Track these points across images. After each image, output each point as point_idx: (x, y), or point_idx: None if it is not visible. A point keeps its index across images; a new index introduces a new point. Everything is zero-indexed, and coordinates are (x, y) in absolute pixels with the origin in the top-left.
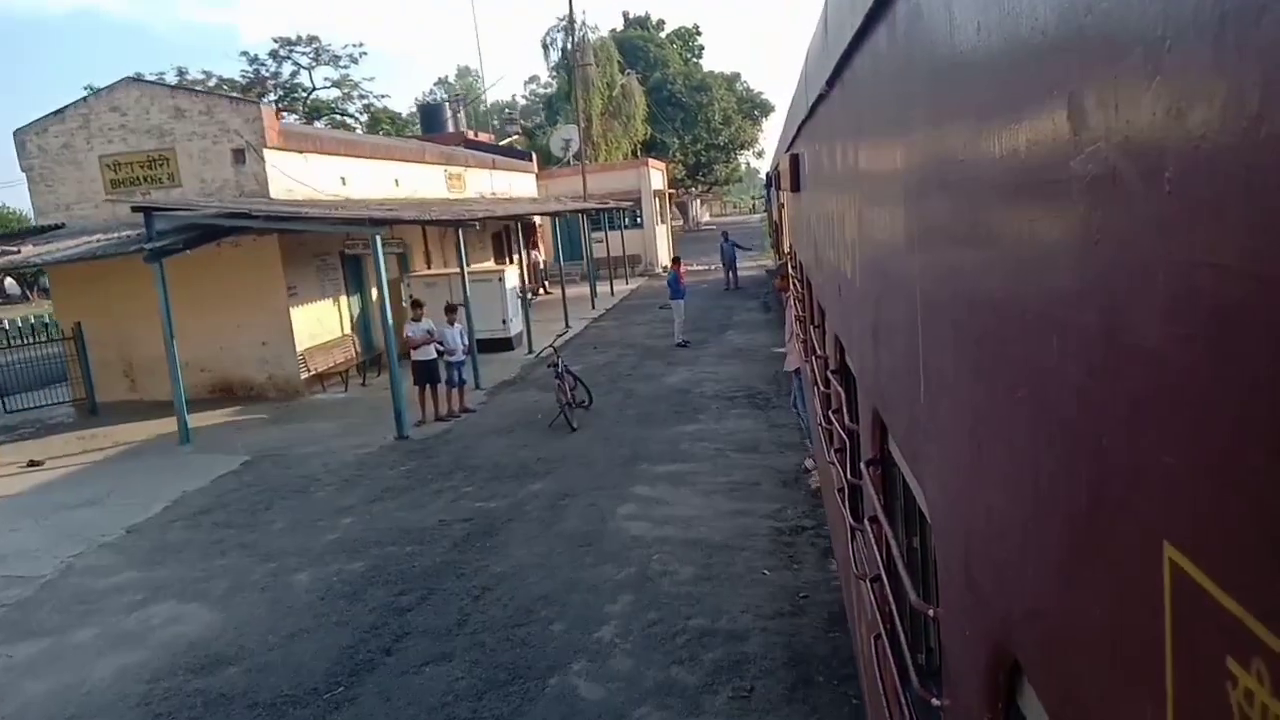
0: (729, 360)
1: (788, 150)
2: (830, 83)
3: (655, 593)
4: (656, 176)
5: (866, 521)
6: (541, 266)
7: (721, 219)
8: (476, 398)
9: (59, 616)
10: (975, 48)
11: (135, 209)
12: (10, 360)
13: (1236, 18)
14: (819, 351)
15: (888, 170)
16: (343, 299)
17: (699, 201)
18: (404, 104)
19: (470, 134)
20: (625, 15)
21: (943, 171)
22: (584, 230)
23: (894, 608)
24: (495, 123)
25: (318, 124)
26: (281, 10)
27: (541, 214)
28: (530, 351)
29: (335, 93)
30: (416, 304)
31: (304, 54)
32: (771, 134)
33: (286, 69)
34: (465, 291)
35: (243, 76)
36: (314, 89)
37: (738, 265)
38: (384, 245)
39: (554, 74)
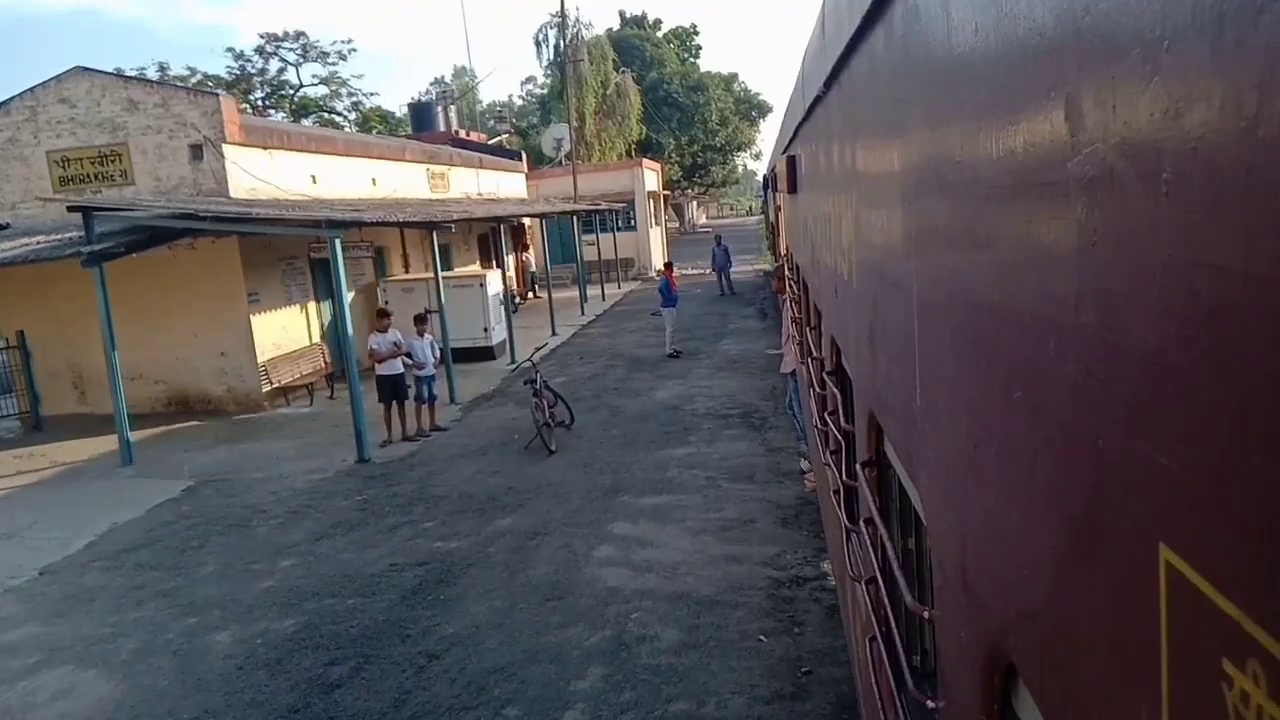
0: (723, 373)
1: (785, 152)
2: (828, 84)
3: (632, 665)
4: (651, 177)
5: (862, 523)
6: (533, 269)
7: (718, 221)
8: (450, 414)
9: None
10: (973, 49)
11: (71, 209)
12: None
13: (1234, 18)
14: (815, 353)
15: (885, 172)
16: (311, 305)
17: (695, 204)
18: (403, 104)
19: (463, 133)
20: (622, 14)
21: (940, 173)
22: (576, 232)
23: (889, 610)
24: (491, 123)
25: (305, 122)
26: (282, 10)
27: (528, 215)
28: (512, 362)
29: (323, 90)
30: (382, 313)
31: (291, 50)
32: (769, 136)
33: (274, 66)
34: (440, 298)
35: (228, 73)
36: (301, 86)
37: (730, 270)
38: (352, 249)
39: (548, 73)
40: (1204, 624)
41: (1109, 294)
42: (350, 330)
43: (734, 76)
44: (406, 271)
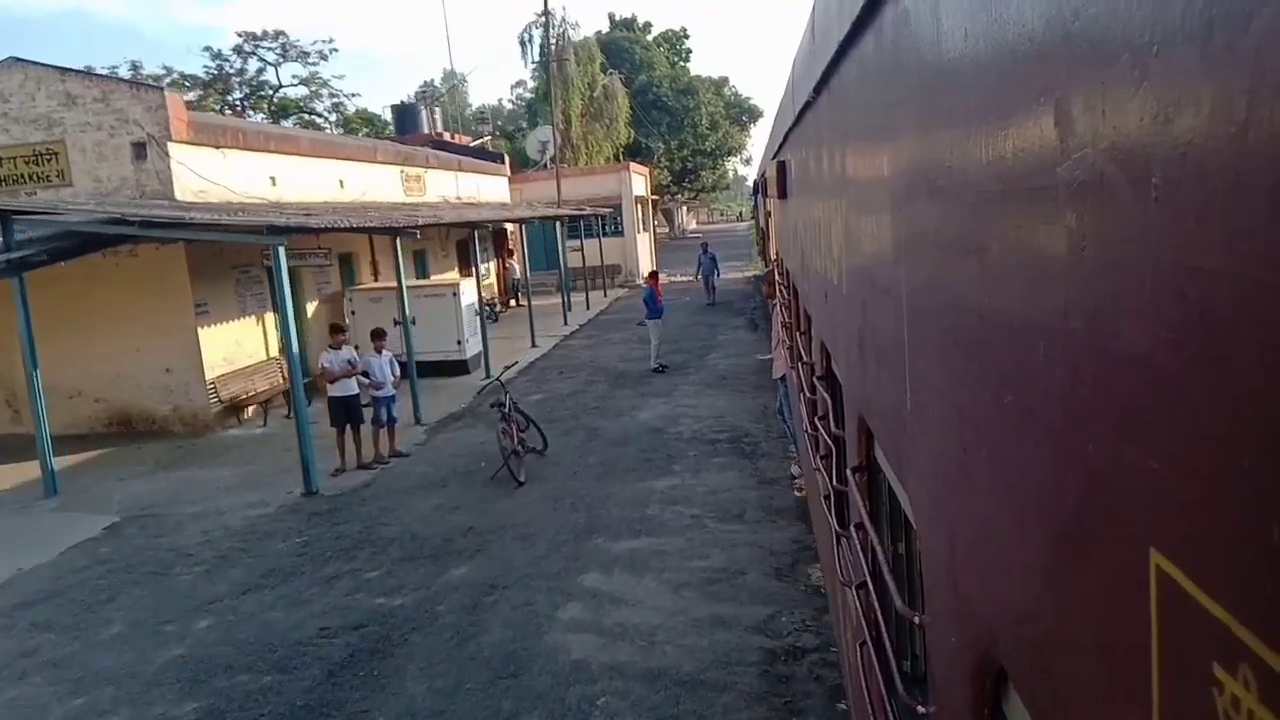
0: (711, 390)
1: (775, 157)
2: (817, 89)
3: None
4: (639, 182)
5: (852, 528)
6: (518, 276)
7: (708, 227)
8: (414, 436)
9: None
10: (963, 54)
11: None
12: None
13: (1223, 24)
14: (805, 358)
15: (875, 177)
16: (269, 317)
17: (685, 209)
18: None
19: (447, 136)
20: (611, 17)
21: (930, 178)
22: (560, 238)
23: (879, 614)
24: (474, 125)
25: (286, 123)
26: (270, 12)
27: (505, 221)
28: (486, 377)
29: (303, 91)
30: (336, 329)
31: (270, 50)
32: (760, 141)
33: (253, 66)
34: (404, 309)
35: (205, 73)
36: (280, 86)
37: (715, 279)
38: (310, 256)
39: (535, 75)
40: (1195, 628)
41: (1099, 298)
42: (297, 346)
43: (724, 80)
44: (376, 280)
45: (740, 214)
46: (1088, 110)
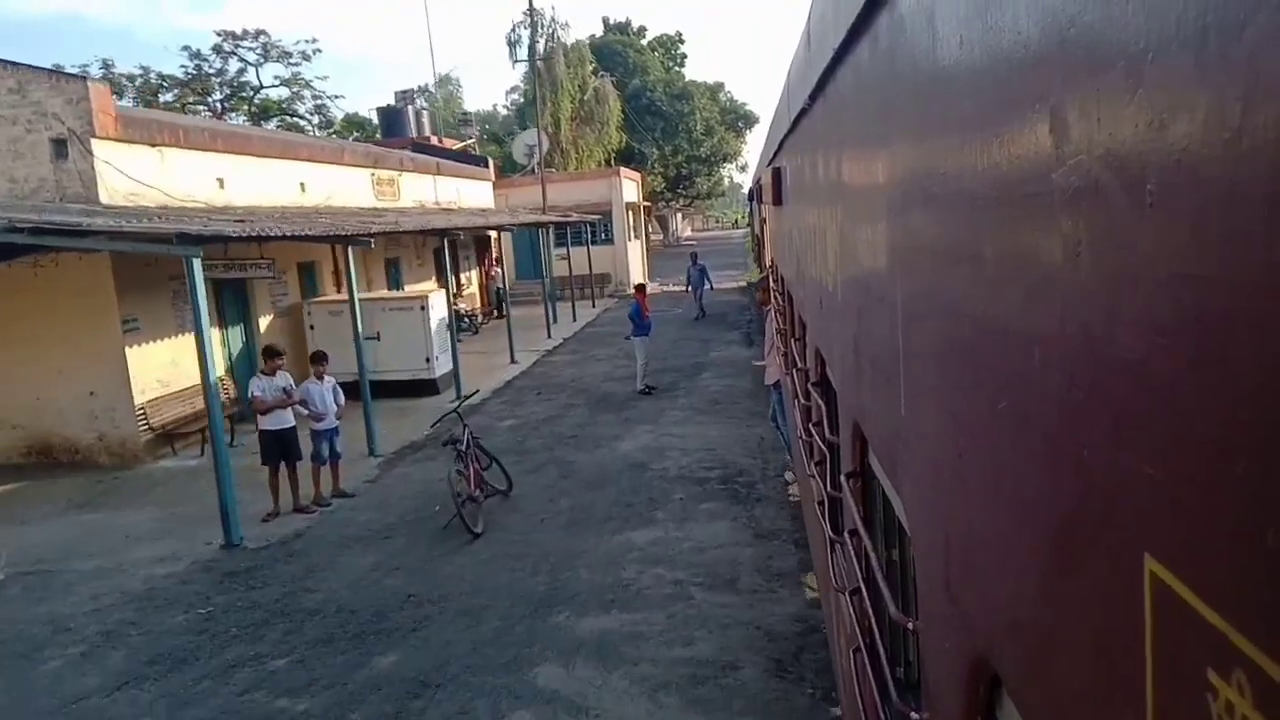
0: (702, 416)
1: (770, 164)
2: (813, 96)
3: None
4: (629, 187)
5: (846, 534)
6: (503, 285)
7: (704, 234)
8: (365, 471)
9: None
10: (958, 61)
11: None
12: None
13: (1218, 31)
14: (800, 364)
15: (870, 184)
16: (214, 333)
17: (680, 216)
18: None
19: (434, 139)
20: (605, 21)
21: (925, 185)
22: (546, 245)
23: (873, 621)
24: (460, 129)
25: (269, 125)
26: (264, 15)
27: (483, 227)
28: (457, 398)
29: (285, 92)
30: (271, 352)
31: (251, 49)
32: (755, 147)
33: (233, 66)
34: (355, 323)
35: (184, 73)
36: (261, 87)
37: (704, 291)
38: (251, 267)
39: (526, 77)
40: (1189, 634)
41: (1093, 304)
42: (215, 372)
43: (720, 86)
44: (340, 291)
45: (736, 221)
46: (1083, 117)
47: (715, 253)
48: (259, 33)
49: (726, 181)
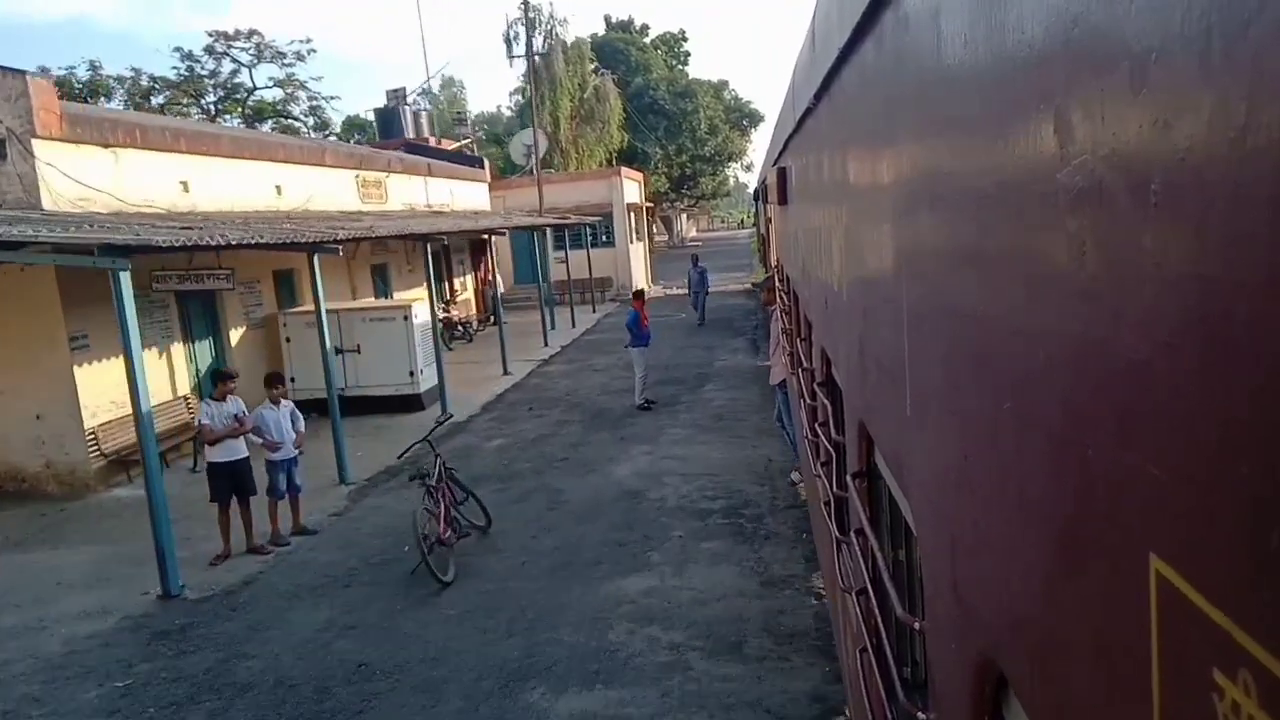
0: (706, 435)
1: (775, 163)
2: (818, 96)
3: None
4: (631, 188)
5: (852, 534)
6: (501, 291)
7: (709, 234)
8: (334, 501)
9: None
10: (963, 61)
11: None
12: None
13: (1222, 31)
14: (806, 364)
15: (875, 183)
16: (177, 348)
17: (685, 216)
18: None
19: (432, 140)
20: (607, 19)
21: (930, 184)
22: (545, 249)
23: (880, 621)
24: (456, 129)
25: (264, 127)
26: (269, 19)
27: (474, 231)
28: (442, 414)
29: (279, 93)
30: (223, 376)
31: (244, 50)
32: (761, 146)
33: (226, 68)
34: (323, 336)
35: (176, 74)
36: (255, 88)
37: (705, 296)
38: (208, 277)
39: (526, 76)
40: (1195, 634)
41: (1098, 304)
42: (142, 388)
43: (724, 84)
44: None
45: (741, 221)
46: (1087, 117)
47: (720, 254)
48: (251, 33)
49: (732, 181)
